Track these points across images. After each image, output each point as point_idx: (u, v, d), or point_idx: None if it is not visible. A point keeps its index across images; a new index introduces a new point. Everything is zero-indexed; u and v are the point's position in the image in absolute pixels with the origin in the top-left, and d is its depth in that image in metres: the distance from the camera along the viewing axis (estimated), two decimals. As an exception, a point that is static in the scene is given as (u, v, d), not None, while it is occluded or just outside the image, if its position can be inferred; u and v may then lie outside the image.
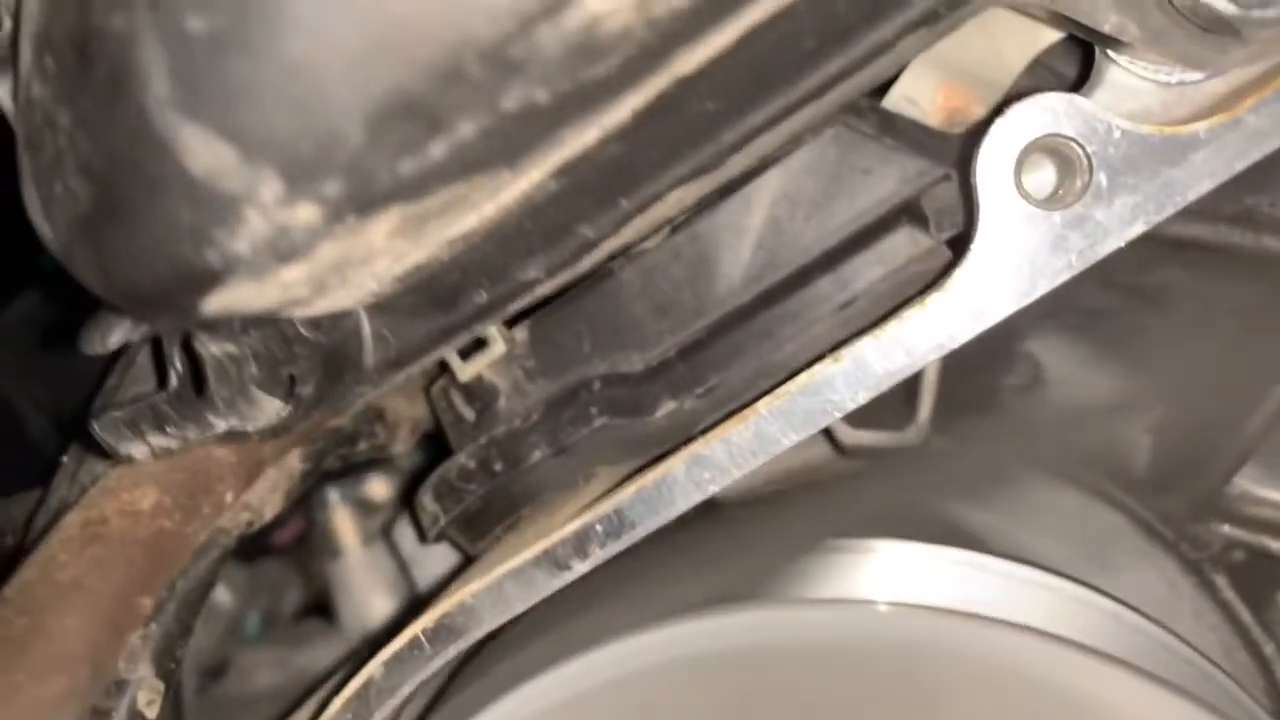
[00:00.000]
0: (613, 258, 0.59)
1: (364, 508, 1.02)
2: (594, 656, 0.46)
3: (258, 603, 1.11)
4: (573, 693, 0.47)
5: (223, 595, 1.07)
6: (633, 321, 0.60)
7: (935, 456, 0.61)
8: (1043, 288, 0.45)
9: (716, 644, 0.46)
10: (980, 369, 0.68)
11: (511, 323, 0.62)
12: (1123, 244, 0.45)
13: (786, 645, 0.47)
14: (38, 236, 0.40)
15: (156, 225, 0.35)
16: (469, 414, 0.62)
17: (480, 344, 0.60)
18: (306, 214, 0.34)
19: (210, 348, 0.42)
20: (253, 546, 1.16)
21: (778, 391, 0.48)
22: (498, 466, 0.60)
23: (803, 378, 0.47)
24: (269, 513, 0.62)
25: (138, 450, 0.45)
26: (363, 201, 0.34)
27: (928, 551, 0.57)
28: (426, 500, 0.63)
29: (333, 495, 1.01)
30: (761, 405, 0.48)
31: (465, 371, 0.60)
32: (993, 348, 0.68)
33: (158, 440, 0.45)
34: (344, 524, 1.01)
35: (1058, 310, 0.69)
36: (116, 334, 0.42)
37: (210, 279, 0.35)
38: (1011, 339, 0.68)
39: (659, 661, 0.46)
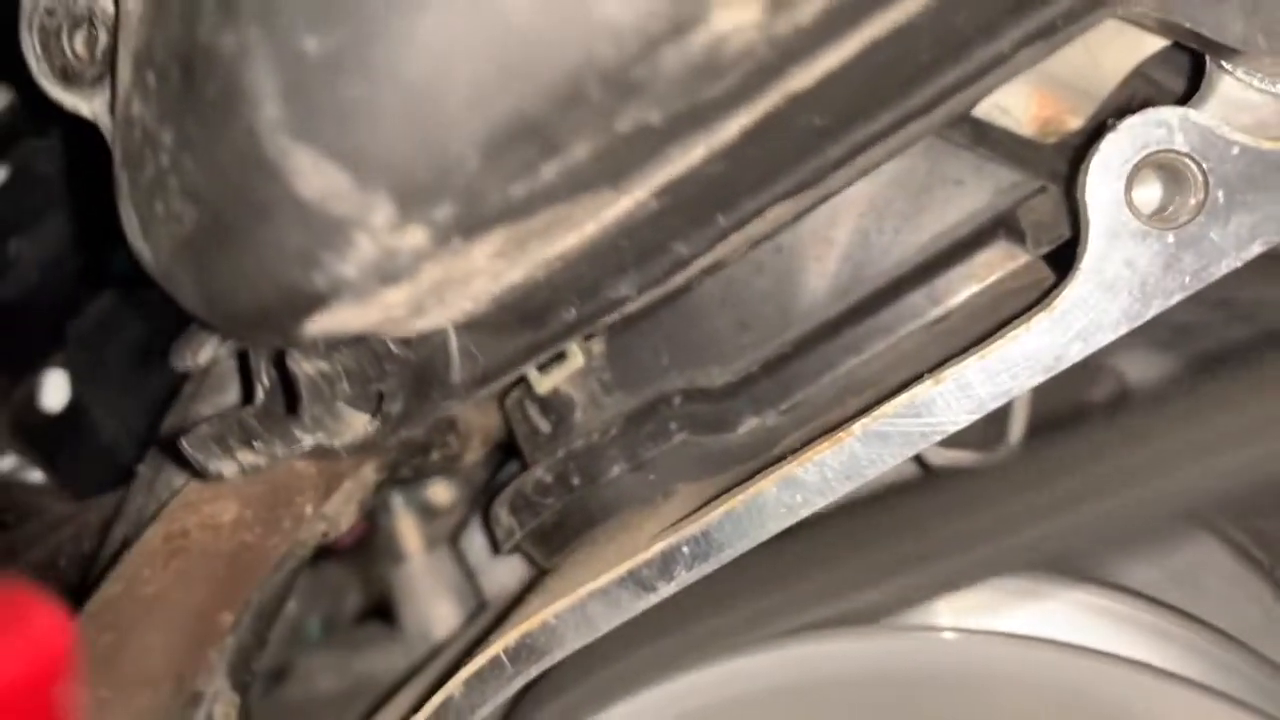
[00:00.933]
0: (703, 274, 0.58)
1: (427, 512, 1.01)
2: (704, 675, 0.45)
3: (319, 606, 1.12)
4: (678, 711, 0.46)
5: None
6: (713, 335, 0.59)
7: (1023, 478, 0.59)
8: (1155, 309, 0.44)
9: (822, 670, 0.45)
10: (1066, 385, 0.66)
11: (588, 335, 0.61)
12: (1239, 264, 0.43)
13: (860, 674, 0.46)
14: (112, 238, 0.40)
15: (264, 249, 0.34)
16: (544, 426, 0.62)
17: (558, 356, 0.59)
18: (415, 238, 0.33)
19: (304, 366, 0.42)
20: (314, 559, 1.16)
21: (874, 413, 0.46)
22: (575, 481, 0.59)
23: (902, 399, 0.46)
24: (344, 524, 0.61)
25: (227, 468, 0.44)
26: (471, 224, 0.33)
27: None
28: (502, 513, 0.62)
29: (396, 499, 1.01)
30: (857, 427, 0.46)
31: (543, 384, 0.59)
32: (1083, 364, 0.67)
33: (246, 457, 0.44)
34: (407, 529, 1.01)
35: (1148, 325, 0.67)
36: (208, 350, 0.42)
37: (315, 302, 0.35)
38: (1101, 355, 0.66)
39: (761, 686, 0.45)
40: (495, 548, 0.65)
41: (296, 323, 0.36)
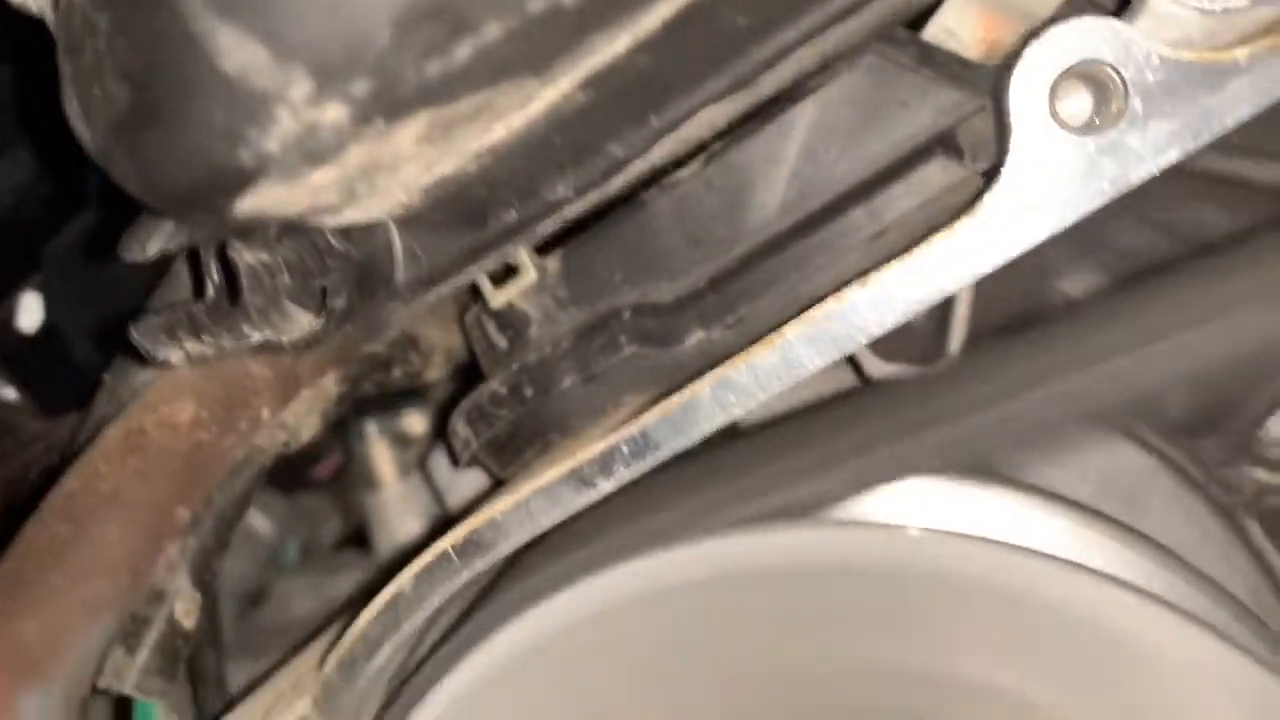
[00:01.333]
0: (645, 185, 0.59)
1: (401, 441, 1.04)
2: (629, 568, 0.47)
3: (296, 533, 1.14)
4: (609, 603, 0.48)
5: (262, 524, 1.10)
6: (665, 252, 0.60)
7: (961, 389, 0.60)
8: (1075, 215, 0.45)
9: (753, 561, 0.47)
10: (1013, 308, 0.68)
11: (543, 252, 0.62)
12: (1156, 171, 0.44)
13: (814, 565, 0.47)
14: (86, 161, 0.41)
15: (191, 125, 0.35)
16: (501, 342, 0.63)
17: (512, 271, 0.60)
18: (335, 114, 0.34)
19: (245, 256, 0.43)
20: (292, 480, 1.18)
21: (804, 316, 0.48)
22: (528, 392, 0.61)
23: (829, 303, 0.47)
24: (305, 434, 0.63)
25: (174, 355, 0.46)
26: (390, 103, 0.35)
27: (948, 483, 0.57)
28: (459, 425, 0.64)
29: (370, 428, 1.03)
30: (787, 330, 0.48)
31: (497, 298, 0.60)
32: (1026, 286, 0.68)
33: (193, 346, 0.46)
34: (381, 456, 1.03)
35: (1092, 249, 0.68)
36: (155, 241, 0.43)
37: (243, 178, 0.36)
38: (1046, 278, 0.68)
39: (696, 576, 0.47)
40: (455, 461, 0.67)
41: (228, 200, 0.37)
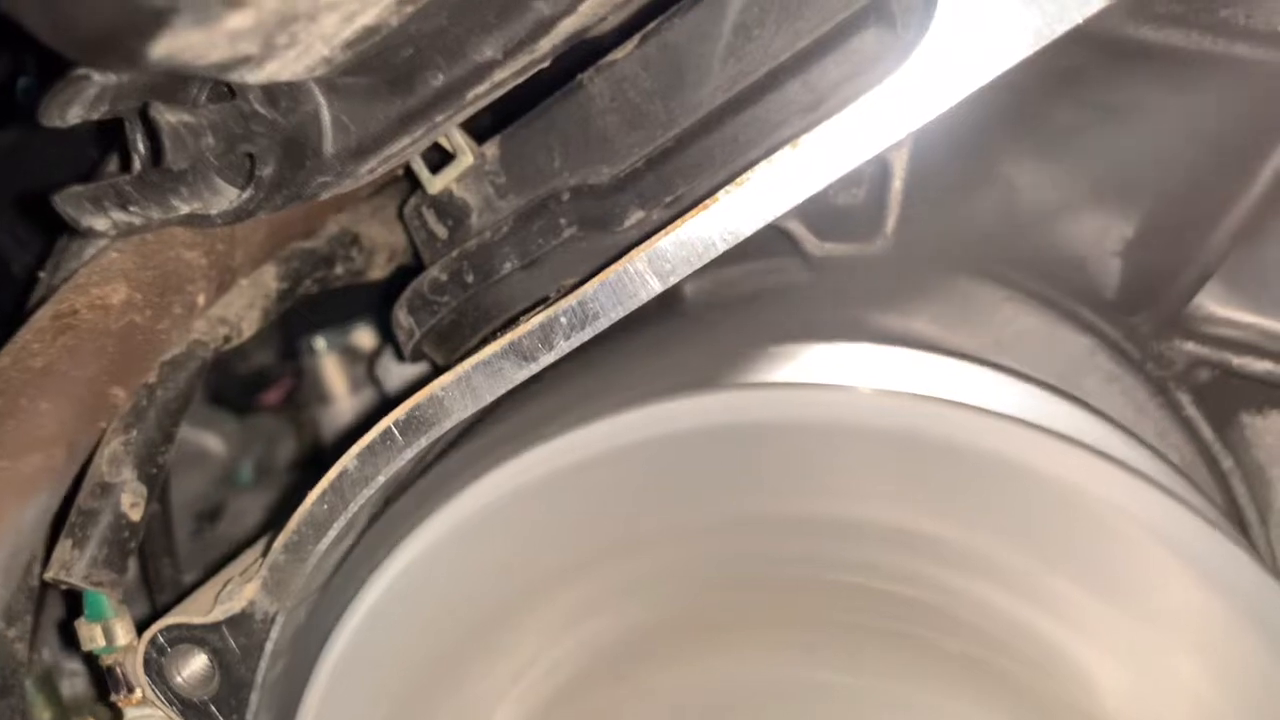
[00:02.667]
0: (581, 67, 0.59)
1: (351, 355, 1.03)
2: (580, 433, 0.47)
3: (251, 453, 1.14)
4: (563, 464, 0.48)
5: (215, 444, 1.10)
6: (602, 134, 0.60)
7: (900, 268, 0.61)
8: (999, 67, 0.45)
9: (701, 420, 0.47)
10: (953, 190, 0.68)
11: (482, 140, 0.62)
12: (1080, 20, 0.45)
13: (768, 422, 0.48)
14: (14, 68, 0.40)
15: (98, -38, 0.35)
16: (441, 231, 0.63)
17: (449, 157, 0.60)
18: (246, -52, 0.34)
19: (167, 116, 0.42)
20: (244, 403, 1.18)
21: (737, 181, 0.48)
22: (469, 278, 0.61)
23: (761, 167, 0.48)
24: (246, 329, 0.63)
25: (100, 223, 0.45)
26: (303, -61, 0.34)
27: (894, 352, 0.58)
28: (401, 315, 0.64)
29: (320, 343, 1.03)
30: (721, 195, 0.48)
31: (435, 184, 0.60)
32: (966, 168, 0.68)
33: (120, 216, 0.45)
34: (332, 371, 1.03)
35: (1031, 130, 0.69)
36: (76, 107, 0.43)
37: (154, 18, 0.35)
38: (985, 160, 0.68)
39: (649, 435, 0.47)
40: (399, 354, 0.67)
41: (141, 43, 0.36)
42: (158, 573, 0.75)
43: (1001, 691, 0.51)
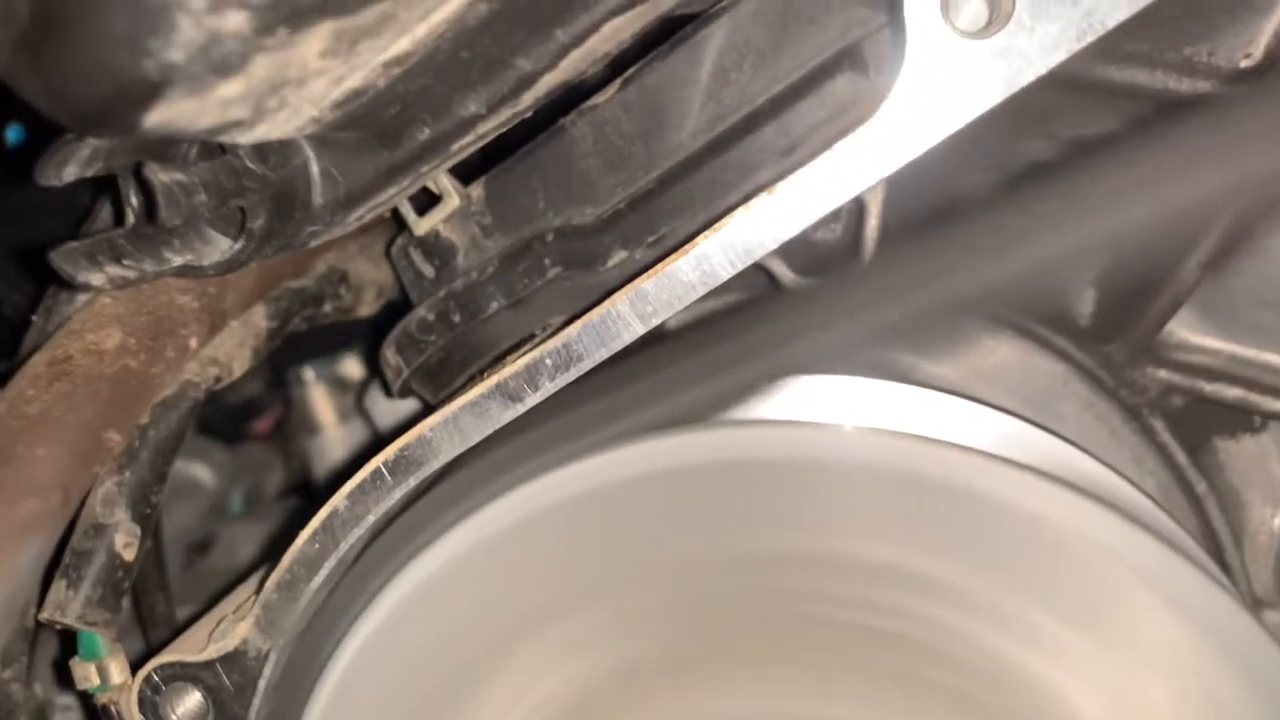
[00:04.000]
0: (564, 111, 0.61)
1: (340, 386, 1.04)
2: (565, 471, 0.49)
3: (241, 483, 1.15)
4: (548, 503, 0.49)
5: (205, 475, 1.10)
6: (585, 176, 0.61)
7: (877, 298, 0.62)
8: (969, 116, 0.47)
9: (687, 458, 0.48)
10: (928, 223, 0.70)
11: (468, 181, 0.63)
12: (1044, 71, 0.46)
13: (754, 460, 0.49)
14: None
15: (93, 37, 0.36)
16: (428, 271, 0.64)
17: (435, 199, 0.61)
18: (236, 22, 0.35)
19: (160, 175, 0.44)
20: (234, 433, 1.19)
21: (716, 225, 0.49)
22: (456, 318, 0.62)
23: (739, 212, 0.49)
24: (238, 369, 0.64)
25: (95, 278, 0.46)
26: (290, 12, 0.35)
27: (872, 385, 0.60)
28: (389, 354, 0.65)
29: (308, 374, 1.04)
30: (701, 240, 0.49)
31: (421, 226, 0.61)
32: (939, 201, 0.70)
33: (115, 270, 0.46)
34: (320, 402, 1.04)
35: (1004, 164, 0.70)
36: (71, 167, 0.44)
37: (149, 90, 0.37)
38: (960, 201, 0.70)
39: (611, 480, 0.49)
40: (388, 391, 0.68)
41: (135, 113, 0.38)
42: (151, 609, 0.76)
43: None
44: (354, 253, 0.72)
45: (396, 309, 0.78)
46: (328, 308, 0.69)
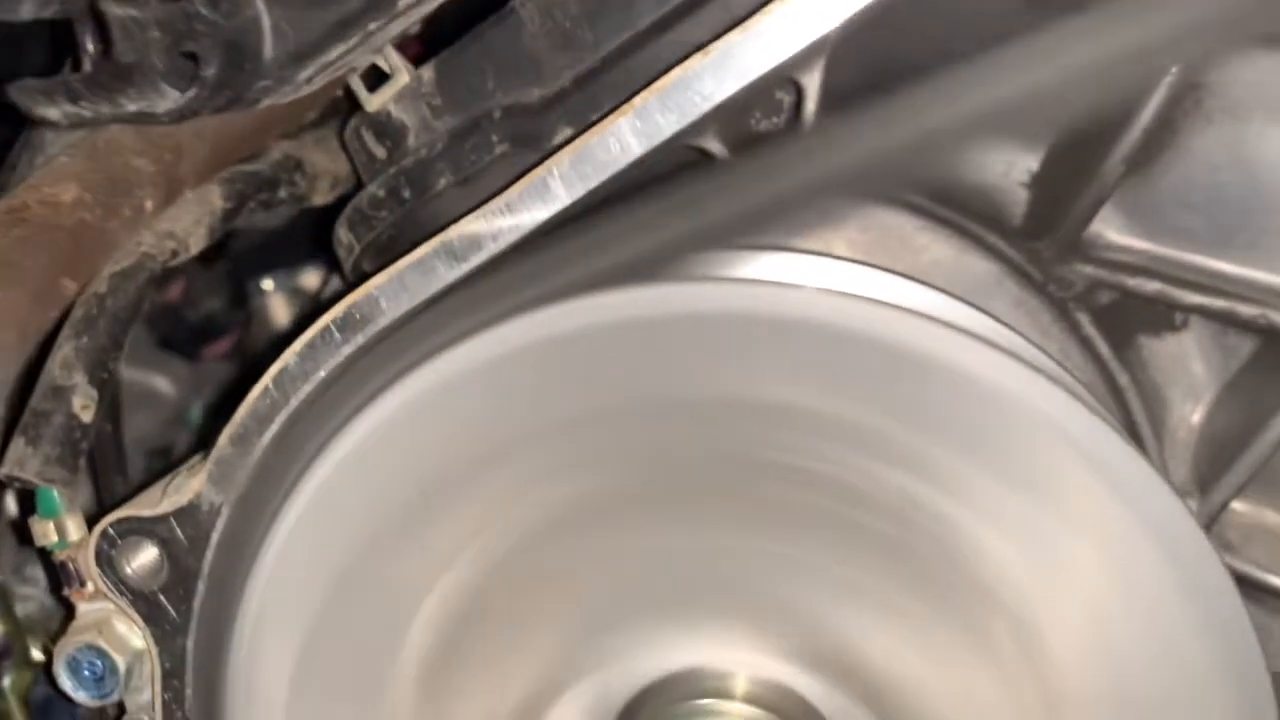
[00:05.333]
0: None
1: (300, 296, 1.06)
2: (522, 321, 0.51)
3: (201, 396, 1.16)
4: (508, 349, 0.51)
5: (165, 386, 1.12)
6: (533, 57, 0.63)
7: (810, 158, 0.64)
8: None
9: (638, 311, 0.51)
10: (868, 119, 0.72)
11: (418, 63, 0.65)
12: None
13: (664, 314, 0.51)
14: None
15: None
16: (380, 152, 0.66)
17: (386, 79, 0.63)
18: None
19: (115, 9, 0.45)
20: (194, 351, 1.20)
21: (652, 87, 0.52)
22: (406, 194, 0.64)
23: (675, 72, 0.51)
24: (193, 245, 0.66)
25: (51, 113, 0.48)
26: None
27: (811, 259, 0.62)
28: (341, 232, 0.67)
29: (268, 283, 1.05)
30: (638, 100, 0.52)
31: (372, 103, 0.63)
32: (880, 99, 0.72)
33: (71, 109, 0.48)
34: (280, 311, 1.05)
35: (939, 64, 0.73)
36: (27, 4, 0.45)
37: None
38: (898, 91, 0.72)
39: (587, 323, 0.51)
40: (340, 271, 0.70)
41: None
42: (110, 490, 0.77)
43: (909, 562, 0.55)
44: (309, 143, 0.73)
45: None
46: (282, 193, 0.71)
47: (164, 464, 1.08)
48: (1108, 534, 0.54)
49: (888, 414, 0.53)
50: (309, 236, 0.94)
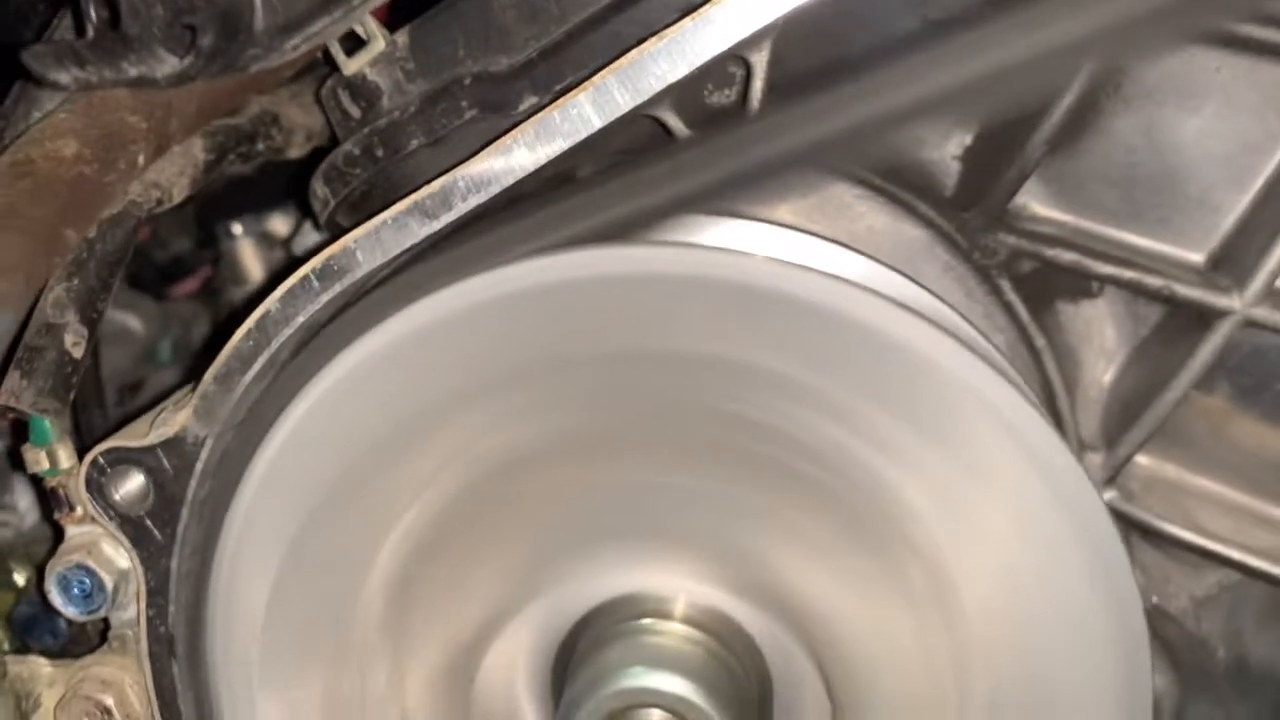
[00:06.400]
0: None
1: (267, 241, 1.10)
2: (488, 277, 0.55)
3: (170, 333, 1.20)
4: (463, 305, 0.56)
5: (135, 324, 1.15)
6: (502, 27, 0.67)
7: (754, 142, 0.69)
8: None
9: (574, 273, 0.55)
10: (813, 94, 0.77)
11: (393, 28, 0.69)
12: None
13: (618, 274, 0.56)
14: None
15: None
16: (355, 111, 0.70)
17: (363, 43, 0.67)
18: None
19: (121, -15, 0.49)
20: (162, 290, 1.23)
21: (611, 66, 0.56)
22: (379, 153, 0.68)
23: (632, 54, 0.56)
24: (177, 194, 0.70)
25: (62, 77, 0.52)
26: None
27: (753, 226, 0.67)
28: (318, 186, 0.71)
29: (237, 228, 1.09)
30: (597, 78, 0.56)
31: (350, 66, 0.67)
32: (828, 64, 0.77)
33: (78, 73, 0.52)
34: (248, 254, 1.09)
35: (882, 40, 0.77)
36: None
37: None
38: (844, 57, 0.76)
39: (531, 285, 0.55)
40: (315, 223, 0.74)
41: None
42: (89, 422, 0.82)
43: (841, 509, 0.61)
44: (285, 98, 0.77)
45: (324, 156, 0.84)
46: (260, 146, 0.75)
47: (134, 398, 1.13)
48: (1014, 490, 0.59)
49: (818, 370, 0.58)
50: (278, 184, 0.98)
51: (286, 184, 0.95)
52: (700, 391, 0.58)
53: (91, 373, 0.81)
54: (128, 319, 1.14)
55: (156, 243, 1.19)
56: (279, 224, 1.09)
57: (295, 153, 0.79)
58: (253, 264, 1.08)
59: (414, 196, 0.58)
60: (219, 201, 1.11)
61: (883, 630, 0.62)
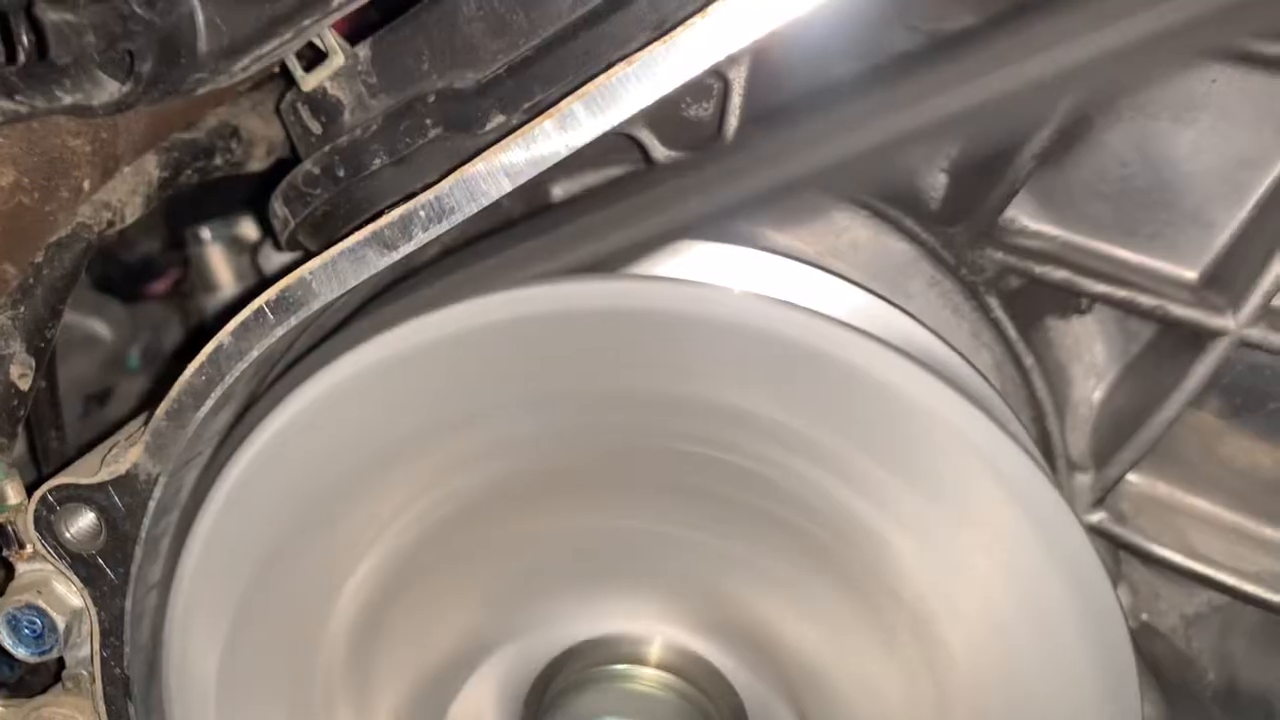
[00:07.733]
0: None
1: (236, 246, 1.07)
2: (458, 308, 0.52)
3: (139, 340, 1.17)
4: (436, 336, 0.53)
5: (103, 330, 1.13)
6: (468, 41, 0.64)
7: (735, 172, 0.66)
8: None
9: (545, 306, 0.53)
10: (792, 108, 0.74)
11: (355, 41, 0.66)
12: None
13: (595, 309, 0.54)
14: None
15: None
16: (315, 127, 0.67)
17: (323, 57, 0.64)
18: None
19: (50, 14, 0.46)
20: (131, 292, 1.21)
21: (579, 91, 0.53)
22: (341, 173, 0.65)
23: (600, 79, 0.53)
24: (129, 215, 0.67)
25: (-8, 107, 0.49)
26: None
27: (739, 251, 0.65)
28: (277, 205, 0.68)
29: (205, 233, 1.06)
30: (564, 104, 0.54)
31: (308, 82, 0.64)
32: (802, 86, 0.74)
33: (6, 104, 0.49)
34: (217, 260, 1.06)
35: (868, 54, 0.75)
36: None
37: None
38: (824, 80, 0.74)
39: (500, 319, 0.53)
40: (276, 243, 0.71)
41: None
42: (45, 446, 0.79)
43: (820, 554, 0.59)
44: (246, 109, 0.74)
45: (287, 167, 0.81)
46: (219, 160, 0.72)
47: (101, 408, 1.10)
48: (1001, 533, 0.57)
49: (798, 413, 0.56)
50: (246, 188, 0.95)
51: (252, 192, 0.92)
52: (677, 435, 0.56)
53: (48, 395, 0.78)
54: (94, 324, 1.11)
55: (124, 244, 1.16)
56: (249, 229, 1.06)
57: (256, 166, 0.76)
58: (222, 270, 1.05)
59: (372, 226, 0.56)
60: (186, 205, 1.08)
61: (864, 673, 0.60)
